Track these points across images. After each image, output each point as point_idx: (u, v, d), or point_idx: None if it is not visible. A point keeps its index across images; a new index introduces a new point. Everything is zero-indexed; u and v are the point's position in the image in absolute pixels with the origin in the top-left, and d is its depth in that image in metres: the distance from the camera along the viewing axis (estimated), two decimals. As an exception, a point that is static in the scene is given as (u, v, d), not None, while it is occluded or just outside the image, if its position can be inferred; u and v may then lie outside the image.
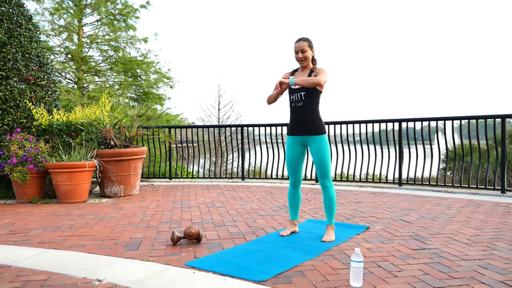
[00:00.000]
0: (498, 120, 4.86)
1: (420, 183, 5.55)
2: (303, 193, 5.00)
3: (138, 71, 11.30)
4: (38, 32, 5.39)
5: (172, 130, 7.07)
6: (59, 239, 2.93)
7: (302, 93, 2.86)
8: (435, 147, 6.02)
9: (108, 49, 11.19)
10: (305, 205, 4.21)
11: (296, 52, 2.90)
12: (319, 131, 2.86)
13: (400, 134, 5.67)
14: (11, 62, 4.83)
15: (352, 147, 6.03)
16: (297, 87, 2.86)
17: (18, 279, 2.12)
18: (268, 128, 6.57)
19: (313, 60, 2.97)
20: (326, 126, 6.13)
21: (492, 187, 4.90)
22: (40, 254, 2.55)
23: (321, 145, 2.86)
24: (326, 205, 2.93)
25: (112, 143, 4.99)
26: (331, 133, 6.15)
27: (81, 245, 2.76)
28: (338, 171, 6.21)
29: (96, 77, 11.50)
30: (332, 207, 2.91)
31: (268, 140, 6.71)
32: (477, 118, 5.02)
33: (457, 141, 5.48)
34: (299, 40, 2.90)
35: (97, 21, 11.16)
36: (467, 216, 3.57)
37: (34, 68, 5.07)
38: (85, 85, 10.95)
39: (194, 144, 7.64)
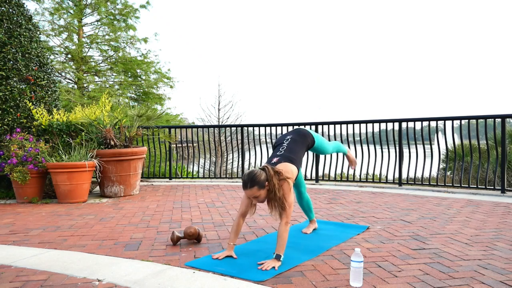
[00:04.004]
0: (498, 120, 4.86)
1: (420, 183, 5.55)
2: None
3: (138, 71, 11.29)
4: (38, 32, 5.38)
5: (172, 130, 7.07)
6: (59, 239, 2.93)
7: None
8: (435, 147, 6.02)
9: (108, 49, 11.18)
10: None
11: (250, 198, 2.47)
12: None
13: (400, 134, 5.67)
14: (11, 62, 4.82)
15: (352, 147, 6.03)
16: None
17: (18, 279, 2.12)
18: (268, 128, 6.57)
19: (274, 188, 2.39)
20: (326, 126, 6.16)
21: (492, 187, 4.90)
22: (40, 254, 2.55)
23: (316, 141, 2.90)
24: None
25: (112, 143, 4.99)
26: (331, 133, 6.15)
27: (81, 245, 2.76)
28: (338, 171, 6.21)
29: (96, 77, 11.49)
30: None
31: (268, 140, 6.71)
32: (477, 118, 5.02)
33: (457, 141, 5.48)
34: (245, 188, 2.38)
35: (97, 21, 11.15)
36: (467, 216, 3.57)
37: (34, 68, 5.07)
38: (85, 85, 10.94)
39: (194, 144, 7.64)
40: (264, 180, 2.35)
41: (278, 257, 2.30)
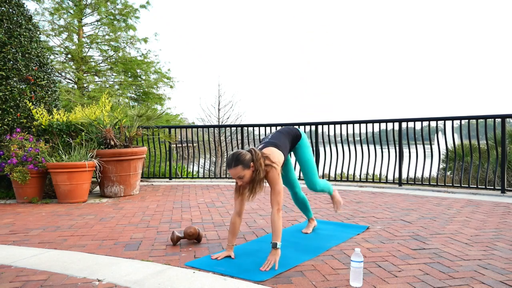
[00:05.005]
0: (498, 120, 4.86)
1: (420, 183, 5.55)
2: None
3: (138, 71, 11.29)
4: (38, 32, 5.39)
5: (172, 130, 7.07)
6: (59, 239, 2.93)
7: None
8: (435, 147, 6.02)
9: (108, 49, 11.18)
10: (305, 205, 4.21)
11: (234, 179, 2.41)
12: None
13: (400, 134, 5.67)
14: (11, 62, 4.83)
15: (352, 147, 6.02)
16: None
17: (18, 279, 2.12)
18: (268, 128, 6.56)
19: (260, 168, 2.36)
20: (326, 126, 6.16)
21: (492, 187, 4.90)
22: (40, 254, 2.55)
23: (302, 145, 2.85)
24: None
25: (112, 143, 4.99)
26: (331, 133, 6.15)
27: (81, 245, 2.76)
28: (338, 171, 6.22)
29: (96, 77, 11.49)
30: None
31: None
32: (477, 118, 5.02)
33: (457, 141, 5.48)
34: (229, 167, 2.33)
35: (97, 21, 11.15)
36: (467, 216, 3.57)
37: (34, 68, 5.07)
38: (85, 85, 10.94)
39: (194, 144, 7.64)
40: (249, 161, 2.33)
41: (274, 245, 2.28)
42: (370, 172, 6.16)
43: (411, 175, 5.76)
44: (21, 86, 4.91)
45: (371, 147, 5.97)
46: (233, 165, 2.31)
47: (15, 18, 4.95)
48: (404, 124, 5.76)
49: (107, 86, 11.26)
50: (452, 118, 5.13)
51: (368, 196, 4.78)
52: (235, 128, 8.36)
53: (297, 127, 2.92)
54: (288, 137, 2.77)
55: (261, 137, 7.06)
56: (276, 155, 2.49)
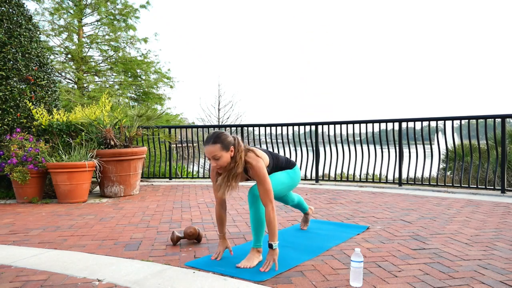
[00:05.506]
0: (498, 120, 4.87)
1: (420, 183, 5.55)
2: (303, 193, 5.00)
3: (138, 71, 11.29)
4: (38, 32, 5.39)
5: (172, 130, 7.07)
6: (59, 239, 2.93)
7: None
8: (435, 147, 6.02)
9: (108, 49, 11.18)
10: (305, 205, 4.21)
11: (209, 159, 2.20)
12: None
13: (400, 134, 5.67)
14: (11, 62, 4.82)
15: (352, 147, 6.03)
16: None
17: (18, 279, 2.12)
18: (268, 128, 6.57)
19: (239, 161, 2.23)
20: (326, 126, 6.16)
21: (492, 187, 4.90)
22: (40, 254, 2.55)
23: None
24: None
25: (112, 143, 4.99)
26: (331, 133, 6.15)
27: (81, 245, 2.76)
28: (338, 171, 6.22)
29: (96, 77, 11.49)
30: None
31: (268, 140, 6.71)
32: (477, 118, 5.02)
33: (457, 141, 5.49)
34: (207, 143, 2.15)
35: (97, 21, 11.15)
36: (467, 216, 3.58)
37: (34, 68, 5.07)
38: (85, 85, 10.94)
39: (194, 144, 7.64)
40: (230, 143, 2.18)
41: (271, 246, 2.23)
42: (370, 172, 6.16)
43: (411, 175, 5.76)
44: (21, 86, 4.91)
45: (371, 147, 5.97)
46: (212, 141, 2.14)
47: (15, 18, 4.95)
48: (404, 124, 5.77)
49: (107, 86, 11.25)
50: (452, 118, 5.13)
51: (368, 196, 4.78)
52: (235, 128, 8.36)
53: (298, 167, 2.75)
54: (283, 159, 2.64)
55: (261, 137, 7.08)
56: (261, 153, 2.39)
